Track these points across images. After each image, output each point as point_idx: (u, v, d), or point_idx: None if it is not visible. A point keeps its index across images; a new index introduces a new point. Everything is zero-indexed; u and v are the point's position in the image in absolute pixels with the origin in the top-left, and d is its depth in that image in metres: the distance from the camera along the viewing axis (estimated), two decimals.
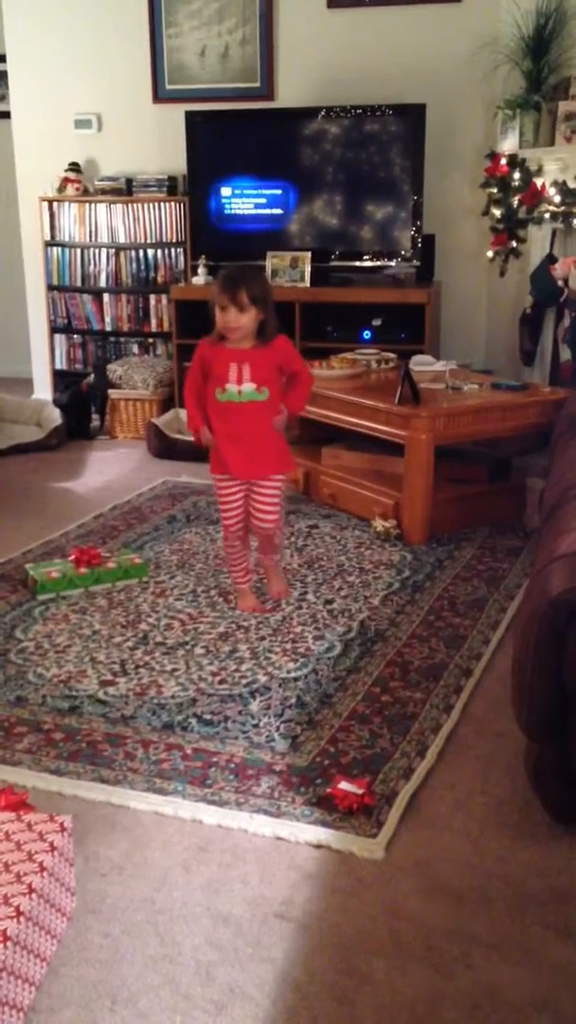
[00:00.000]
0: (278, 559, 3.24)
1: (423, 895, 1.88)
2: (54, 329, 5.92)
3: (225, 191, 5.36)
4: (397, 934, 1.79)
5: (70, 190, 5.67)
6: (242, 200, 5.36)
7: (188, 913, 1.84)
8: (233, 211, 5.38)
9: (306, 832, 2.05)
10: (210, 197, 5.39)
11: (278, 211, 5.33)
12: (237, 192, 5.35)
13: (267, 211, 5.34)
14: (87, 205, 5.68)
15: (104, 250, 5.72)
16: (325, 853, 2.00)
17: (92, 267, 5.77)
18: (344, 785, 2.14)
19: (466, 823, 2.10)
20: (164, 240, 5.63)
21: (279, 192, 5.30)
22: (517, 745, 2.28)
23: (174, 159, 5.54)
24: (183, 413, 5.09)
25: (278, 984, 1.68)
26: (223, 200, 5.38)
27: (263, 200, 5.33)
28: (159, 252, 5.66)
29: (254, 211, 5.36)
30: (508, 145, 4.90)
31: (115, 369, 5.50)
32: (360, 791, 2.12)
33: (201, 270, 5.36)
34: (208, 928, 1.80)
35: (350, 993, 1.66)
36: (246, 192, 5.34)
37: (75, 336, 5.90)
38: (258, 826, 2.07)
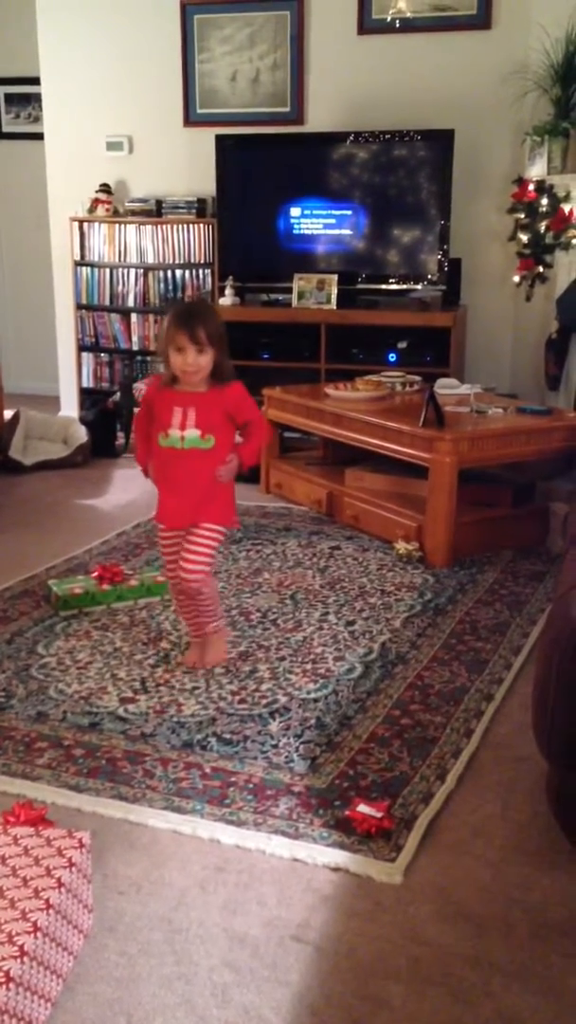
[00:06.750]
0: (214, 626, 2.88)
1: (442, 921, 1.87)
2: (82, 348, 5.97)
3: (254, 214, 5.40)
4: (415, 960, 1.77)
5: (100, 211, 5.74)
6: (271, 223, 5.40)
7: (205, 933, 1.84)
8: (261, 233, 5.42)
9: (324, 854, 2.04)
10: (239, 220, 5.43)
11: (305, 233, 5.37)
12: (266, 215, 5.39)
13: (295, 233, 5.38)
14: (117, 226, 5.74)
15: (133, 270, 5.77)
16: (343, 876, 1.99)
17: (120, 287, 5.82)
18: (363, 808, 2.13)
19: (486, 849, 2.08)
20: (192, 261, 5.68)
21: (307, 215, 5.34)
22: (538, 771, 2.27)
23: (204, 182, 5.60)
24: None
25: (294, 1007, 1.66)
26: (252, 222, 5.42)
27: (292, 222, 5.37)
28: (187, 273, 5.70)
29: (282, 233, 5.40)
30: (536, 171, 4.91)
31: (141, 388, 5.54)
32: (379, 814, 2.11)
33: (228, 291, 5.41)
34: (225, 949, 1.80)
35: (367, 1018, 1.64)
36: (275, 215, 5.38)
37: (102, 355, 5.96)
38: (276, 847, 2.06)
